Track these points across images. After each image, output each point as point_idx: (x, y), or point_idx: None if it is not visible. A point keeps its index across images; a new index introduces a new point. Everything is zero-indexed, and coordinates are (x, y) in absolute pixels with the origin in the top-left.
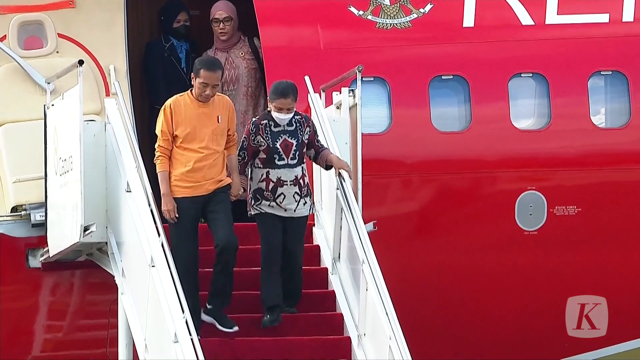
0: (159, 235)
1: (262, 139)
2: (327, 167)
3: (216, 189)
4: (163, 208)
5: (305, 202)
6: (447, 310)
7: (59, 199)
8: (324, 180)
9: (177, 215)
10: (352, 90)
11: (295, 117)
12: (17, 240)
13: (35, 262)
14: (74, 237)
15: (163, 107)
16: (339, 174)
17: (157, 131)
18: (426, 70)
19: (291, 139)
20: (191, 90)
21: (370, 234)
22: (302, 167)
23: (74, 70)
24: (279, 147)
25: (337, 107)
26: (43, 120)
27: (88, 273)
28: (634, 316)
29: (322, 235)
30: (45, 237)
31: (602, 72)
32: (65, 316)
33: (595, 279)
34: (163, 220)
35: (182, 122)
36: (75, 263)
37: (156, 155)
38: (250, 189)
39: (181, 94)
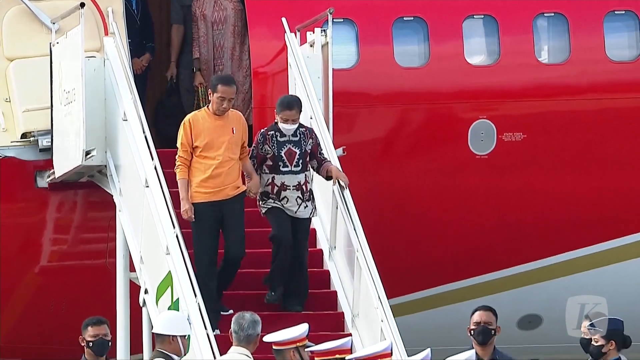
0: (152, 159)
1: (268, 148)
2: (328, 178)
3: (234, 194)
4: (181, 210)
5: (307, 206)
6: (407, 226)
7: (63, 127)
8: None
9: (193, 216)
10: (324, 30)
11: (300, 129)
12: (26, 163)
13: (42, 182)
14: (77, 160)
15: (183, 122)
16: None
17: (178, 144)
18: (390, 12)
19: (295, 148)
20: (208, 106)
21: (340, 158)
22: (306, 175)
23: (76, 12)
24: (283, 155)
25: (311, 45)
26: (49, 57)
27: (89, 192)
28: (565, 230)
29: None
30: (52, 160)
31: (545, 14)
32: (69, 230)
33: (538, 199)
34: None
35: (201, 134)
36: (78, 183)
37: (176, 165)
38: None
39: (199, 109)
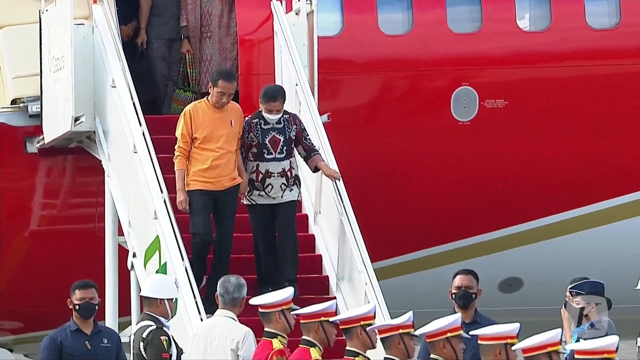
0: (140, 125)
1: (253, 136)
2: (315, 170)
3: (230, 186)
4: (177, 200)
5: (292, 190)
6: (391, 192)
7: (52, 93)
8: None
9: (188, 207)
10: None
11: (284, 116)
12: (16, 128)
13: (32, 148)
14: (66, 126)
15: (183, 112)
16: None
17: (177, 134)
18: None
19: (279, 135)
20: (207, 98)
21: (325, 124)
22: (290, 161)
23: None
24: (267, 142)
25: (296, 13)
26: (38, 24)
27: (78, 158)
28: (546, 195)
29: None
30: (41, 126)
31: None
32: (58, 195)
33: (519, 164)
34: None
35: (201, 126)
36: (67, 149)
37: (175, 155)
38: None
39: (198, 100)
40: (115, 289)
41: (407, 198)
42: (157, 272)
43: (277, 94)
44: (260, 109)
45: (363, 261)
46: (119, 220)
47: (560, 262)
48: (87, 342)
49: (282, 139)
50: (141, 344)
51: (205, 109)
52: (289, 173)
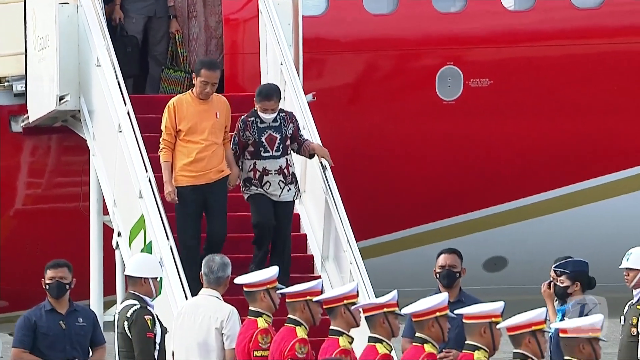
0: (125, 104)
1: (249, 134)
2: (311, 156)
3: (218, 178)
4: (165, 193)
5: (290, 189)
6: (376, 171)
7: (37, 72)
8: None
9: (177, 198)
10: None
11: (280, 114)
12: (1, 107)
13: (17, 127)
14: (50, 105)
15: (167, 105)
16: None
17: (162, 127)
18: None
19: (276, 133)
20: (192, 90)
21: (310, 103)
22: (287, 158)
23: None
24: (264, 140)
25: None
26: (23, 3)
27: (63, 137)
28: (530, 174)
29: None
30: (26, 105)
31: None
32: (43, 174)
33: (504, 144)
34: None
35: (185, 118)
36: (52, 128)
37: (160, 147)
38: (241, 178)
39: (183, 93)
40: (100, 268)
41: (392, 177)
42: (142, 251)
43: (271, 93)
44: (255, 108)
45: (348, 240)
46: (104, 199)
47: (545, 241)
48: (61, 321)
49: (278, 136)
50: (125, 323)
51: (189, 101)
52: (286, 170)
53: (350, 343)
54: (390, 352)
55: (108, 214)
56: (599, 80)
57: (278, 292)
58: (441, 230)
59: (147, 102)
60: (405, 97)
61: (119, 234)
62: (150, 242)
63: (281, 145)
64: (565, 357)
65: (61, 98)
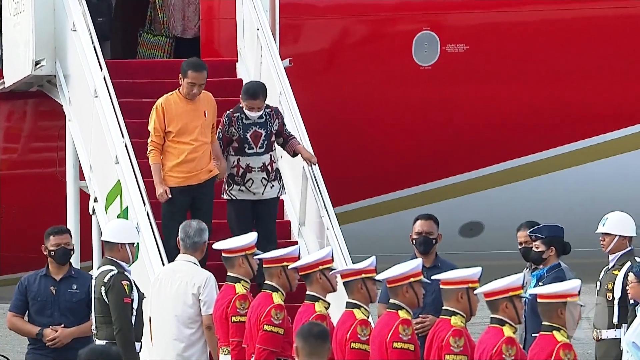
0: (101, 69)
1: (234, 130)
2: (294, 155)
3: (207, 178)
4: (157, 194)
5: (273, 186)
6: (352, 136)
7: (12, 37)
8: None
9: (169, 196)
10: None
11: (266, 110)
12: None
13: None
14: (26, 70)
15: (155, 105)
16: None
17: (150, 128)
18: None
19: (261, 129)
20: (179, 90)
21: (286, 68)
22: (271, 155)
23: None
24: (249, 137)
25: None
26: None
27: (39, 102)
28: (506, 140)
29: (244, 70)
30: (1, 70)
31: None
32: (19, 140)
33: (480, 109)
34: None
35: (174, 119)
36: (28, 93)
37: (149, 149)
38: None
39: (170, 93)
40: (76, 233)
41: (369, 142)
42: (118, 216)
43: (258, 92)
44: (240, 104)
45: (325, 206)
46: (80, 165)
47: (521, 206)
48: (52, 287)
49: (263, 133)
50: (102, 288)
51: (177, 101)
52: (269, 167)
53: (327, 309)
54: (367, 318)
55: (84, 180)
56: (574, 45)
57: (255, 257)
58: (417, 196)
59: (124, 67)
60: (382, 62)
61: (96, 200)
62: (127, 207)
63: (265, 142)
64: (544, 322)
65: (37, 63)
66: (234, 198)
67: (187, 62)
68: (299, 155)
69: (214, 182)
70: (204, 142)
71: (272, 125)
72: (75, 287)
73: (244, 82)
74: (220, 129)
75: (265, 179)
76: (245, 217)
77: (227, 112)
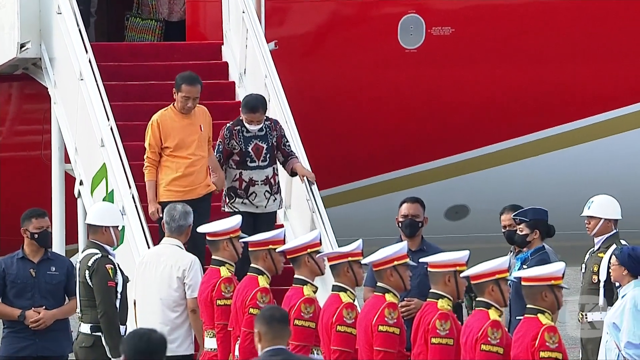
0: (86, 52)
1: (235, 143)
2: (292, 174)
3: (206, 193)
4: (149, 212)
5: (275, 199)
6: (338, 120)
7: None
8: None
9: (161, 216)
10: None
11: (265, 122)
12: None
13: None
14: (11, 53)
15: (150, 121)
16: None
17: (146, 144)
18: None
19: (262, 142)
20: (173, 105)
21: (272, 52)
22: (273, 168)
23: None
24: (250, 150)
25: None
26: None
27: (24, 85)
28: (492, 123)
29: (230, 53)
30: None
31: None
32: (4, 123)
33: (466, 92)
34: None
35: (170, 135)
36: (13, 76)
37: (145, 165)
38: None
39: (165, 108)
40: (62, 216)
41: (354, 126)
42: (104, 199)
43: (257, 106)
44: (240, 117)
45: (310, 189)
46: (65, 148)
47: (506, 189)
48: (32, 269)
49: (265, 146)
50: (86, 272)
51: (172, 116)
52: (272, 180)
53: (315, 292)
54: (353, 301)
55: (70, 163)
56: (560, 28)
57: (241, 240)
58: (403, 179)
59: (110, 50)
60: (368, 45)
61: (81, 183)
62: (112, 190)
63: (268, 155)
64: (528, 305)
65: (22, 46)
66: (236, 210)
67: (180, 76)
68: (297, 175)
69: (211, 196)
70: (201, 156)
71: (272, 137)
72: (54, 269)
73: (229, 65)
74: (220, 141)
75: (268, 192)
76: (247, 229)
77: (228, 124)
